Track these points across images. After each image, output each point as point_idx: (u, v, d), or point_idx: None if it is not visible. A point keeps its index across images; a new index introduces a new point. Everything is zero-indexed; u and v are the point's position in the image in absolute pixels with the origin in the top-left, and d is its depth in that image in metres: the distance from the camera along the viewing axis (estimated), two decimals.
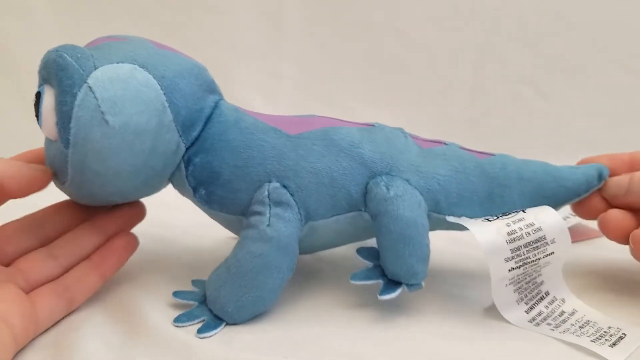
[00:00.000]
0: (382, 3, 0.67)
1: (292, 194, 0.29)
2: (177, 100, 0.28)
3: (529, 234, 0.28)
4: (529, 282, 0.29)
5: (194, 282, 0.32)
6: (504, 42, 0.67)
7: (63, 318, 0.29)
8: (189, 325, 0.28)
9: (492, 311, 0.30)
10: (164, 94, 0.27)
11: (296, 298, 0.32)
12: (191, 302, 0.30)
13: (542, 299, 0.30)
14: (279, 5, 0.67)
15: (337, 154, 0.30)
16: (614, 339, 0.26)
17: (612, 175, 0.33)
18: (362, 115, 0.34)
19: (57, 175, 0.29)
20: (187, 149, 0.30)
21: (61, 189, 0.30)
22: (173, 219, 0.44)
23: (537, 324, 0.28)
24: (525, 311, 0.29)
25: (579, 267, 0.35)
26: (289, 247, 0.28)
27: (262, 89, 0.64)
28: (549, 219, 0.29)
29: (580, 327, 0.28)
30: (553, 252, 0.29)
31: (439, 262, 0.36)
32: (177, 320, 0.29)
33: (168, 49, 0.30)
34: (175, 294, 0.30)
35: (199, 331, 0.28)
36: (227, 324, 0.29)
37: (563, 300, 0.30)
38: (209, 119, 0.30)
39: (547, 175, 0.31)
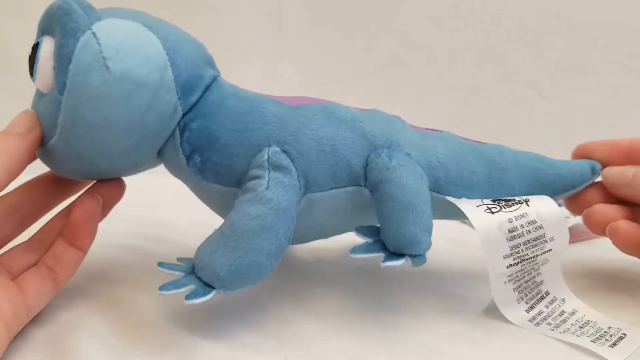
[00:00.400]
0: (382, 3, 0.67)
1: (292, 160, 0.28)
2: (178, 61, 0.28)
3: (530, 232, 0.28)
4: (529, 281, 0.29)
5: (180, 259, 0.29)
6: (504, 42, 0.67)
7: (62, 318, 0.29)
8: (175, 292, 0.26)
9: (492, 311, 0.30)
10: (167, 53, 0.27)
11: (296, 298, 0.32)
12: (177, 273, 0.27)
13: (542, 298, 0.29)
14: (279, 5, 0.67)
15: (338, 125, 0.29)
16: (614, 339, 0.26)
17: (609, 163, 0.33)
18: None
19: (44, 130, 0.27)
20: (184, 114, 0.29)
21: (42, 157, 0.29)
22: (173, 219, 0.44)
23: (537, 324, 0.28)
24: (526, 310, 0.29)
25: (579, 267, 0.35)
26: (287, 212, 0.27)
27: (262, 89, 0.64)
28: (550, 215, 0.29)
29: (580, 327, 0.28)
30: (551, 249, 0.29)
31: (439, 262, 0.36)
32: (163, 288, 0.26)
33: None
34: (161, 264, 0.28)
35: (187, 297, 0.25)
36: (218, 292, 0.26)
37: (563, 300, 0.30)
38: (208, 87, 0.30)
39: (542, 163, 0.32)
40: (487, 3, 0.67)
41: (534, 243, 0.28)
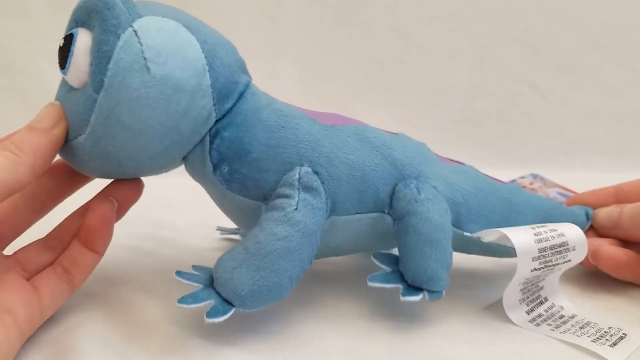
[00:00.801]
0: (382, 3, 0.67)
1: (322, 182, 0.28)
2: (216, 66, 0.27)
3: (554, 237, 0.28)
4: (534, 284, 0.29)
5: (195, 267, 0.29)
6: (504, 42, 0.67)
7: (64, 318, 0.29)
8: (194, 306, 0.25)
9: (492, 311, 0.30)
10: (205, 57, 0.26)
11: (297, 298, 0.32)
12: (195, 284, 0.27)
13: (541, 303, 0.30)
14: (278, 5, 0.67)
15: (370, 150, 0.29)
16: (614, 339, 0.26)
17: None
18: (361, 115, 0.34)
19: (71, 127, 0.26)
20: (217, 121, 0.28)
21: (64, 153, 0.27)
22: (175, 220, 0.44)
23: (538, 324, 0.28)
24: (526, 312, 0.29)
25: (579, 268, 0.35)
26: (313, 236, 0.27)
27: (261, 89, 0.64)
28: (570, 228, 0.29)
29: (581, 328, 0.28)
30: (570, 260, 0.29)
31: None
32: (182, 301, 0.25)
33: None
34: (179, 273, 0.27)
35: (208, 315, 0.25)
36: (237, 309, 0.26)
37: (562, 307, 0.30)
38: (242, 95, 0.29)
39: (552, 209, 0.34)
40: (487, 3, 0.67)
41: (558, 249, 0.28)
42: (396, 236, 0.28)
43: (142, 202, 0.31)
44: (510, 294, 0.29)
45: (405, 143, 0.31)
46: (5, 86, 0.63)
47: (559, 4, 0.67)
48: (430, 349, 0.26)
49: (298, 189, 0.27)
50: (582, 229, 0.31)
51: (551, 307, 0.30)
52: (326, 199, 0.28)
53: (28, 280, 0.27)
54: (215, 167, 0.28)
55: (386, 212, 0.29)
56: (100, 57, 0.24)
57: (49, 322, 0.28)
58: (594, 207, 0.35)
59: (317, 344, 0.27)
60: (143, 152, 0.27)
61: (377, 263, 0.29)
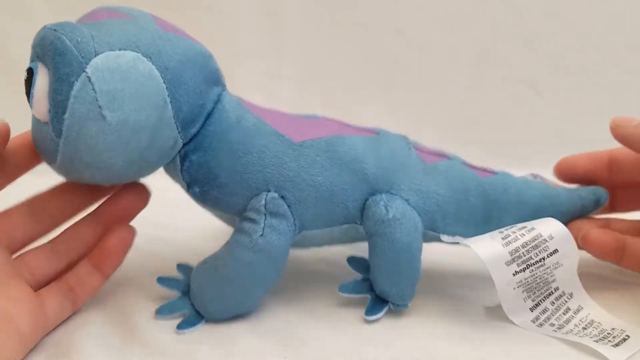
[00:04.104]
0: (382, 3, 0.67)
1: (289, 206, 0.28)
2: (179, 95, 0.26)
3: (523, 234, 0.28)
4: (540, 282, 0.29)
5: (179, 267, 0.32)
6: (503, 42, 0.67)
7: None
8: (170, 318, 0.29)
9: (492, 311, 0.30)
10: (167, 87, 0.26)
11: (296, 298, 0.32)
12: (174, 292, 0.30)
13: (549, 294, 0.29)
14: (279, 5, 0.67)
15: (339, 167, 0.29)
16: (617, 340, 0.26)
17: (591, 176, 0.34)
18: (361, 115, 0.34)
19: (44, 155, 0.27)
20: (185, 144, 0.28)
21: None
22: (174, 220, 0.44)
23: (541, 324, 0.28)
24: (530, 308, 0.28)
25: (581, 267, 0.35)
26: (279, 259, 0.28)
27: (262, 89, 0.64)
28: (542, 221, 0.29)
29: (584, 329, 0.28)
30: (557, 250, 0.28)
31: (439, 262, 0.36)
32: (159, 312, 0.29)
33: (173, 30, 0.27)
34: (160, 280, 0.30)
35: (179, 327, 0.28)
36: (207, 320, 0.29)
37: (571, 295, 0.29)
38: (210, 114, 0.28)
39: (546, 199, 0.32)
40: (487, 3, 0.67)
41: (533, 244, 0.28)
42: (368, 250, 0.29)
43: None
44: (508, 299, 0.28)
45: (380, 150, 0.30)
46: (5, 86, 0.63)
47: (559, 4, 0.67)
48: (431, 349, 0.26)
49: (264, 214, 0.27)
50: (586, 213, 0.32)
51: (559, 298, 0.29)
52: (294, 220, 0.28)
53: (34, 287, 0.27)
54: (189, 186, 0.29)
55: (358, 223, 0.29)
56: (56, 107, 0.24)
57: None
58: (586, 173, 0.34)
59: (316, 343, 0.27)
60: (113, 177, 0.28)
61: (350, 266, 0.31)
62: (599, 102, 0.66)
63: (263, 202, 0.28)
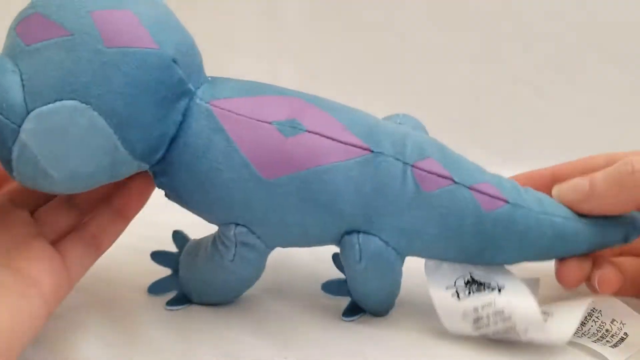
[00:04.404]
0: (382, 3, 0.67)
1: (259, 237, 0.27)
2: (132, 135, 0.24)
3: (497, 323, 0.26)
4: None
5: (175, 236, 0.33)
6: (503, 42, 0.67)
7: (62, 317, 0.29)
8: (161, 295, 0.31)
9: None
10: (115, 132, 0.23)
11: (297, 298, 0.32)
12: (166, 268, 0.32)
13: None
14: (278, 5, 0.67)
15: (314, 208, 0.26)
16: (615, 340, 0.26)
17: None
18: None
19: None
20: (152, 165, 0.27)
21: None
22: (173, 220, 0.44)
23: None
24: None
25: None
26: (253, 278, 0.29)
27: None
28: (522, 310, 0.25)
29: (582, 326, 0.27)
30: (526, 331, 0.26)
31: None
32: (150, 290, 0.31)
33: (121, 40, 0.23)
34: (154, 255, 0.32)
35: (168, 304, 0.30)
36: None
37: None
38: (173, 139, 0.26)
39: (558, 240, 0.27)
40: (487, 3, 0.67)
41: (503, 334, 0.26)
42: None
43: None
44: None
45: (367, 181, 0.26)
46: None
47: (558, 4, 0.67)
48: (431, 349, 0.26)
49: (235, 243, 0.27)
50: (604, 247, 0.28)
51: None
52: (265, 247, 0.28)
53: (54, 242, 0.27)
54: (168, 196, 0.28)
55: (337, 244, 0.28)
56: (3, 162, 0.23)
57: (49, 321, 0.28)
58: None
59: (317, 343, 0.27)
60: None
61: (325, 289, 0.31)
62: (599, 102, 0.66)
63: (232, 232, 0.27)
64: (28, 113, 0.22)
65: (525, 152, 0.66)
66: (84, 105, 0.22)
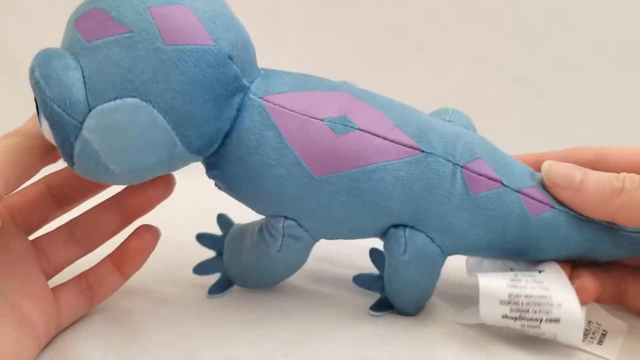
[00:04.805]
0: (382, 3, 0.67)
1: (306, 231, 0.28)
2: (189, 131, 0.24)
3: (534, 287, 0.25)
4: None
5: (220, 218, 0.34)
6: (503, 42, 0.67)
7: None
8: (206, 275, 0.33)
9: None
10: (173, 129, 0.24)
11: (297, 297, 0.32)
12: (211, 251, 0.34)
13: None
14: (278, 5, 0.67)
15: (362, 205, 0.26)
16: (597, 335, 0.26)
17: None
18: None
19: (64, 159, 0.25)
20: (205, 158, 0.27)
21: None
22: (175, 220, 0.44)
23: (514, 319, 0.26)
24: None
25: None
26: (297, 266, 0.30)
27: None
28: (560, 284, 0.25)
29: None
30: (559, 320, 0.25)
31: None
32: (195, 270, 0.33)
33: (180, 37, 0.23)
34: (199, 237, 0.34)
35: (210, 292, 0.32)
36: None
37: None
38: (228, 132, 0.26)
39: (599, 247, 0.28)
40: (487, 3, 0.67)
41: (536, 301, 0.25)
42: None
43: None
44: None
45: (417, 181, 0.26)
46: (5, 86, 0.63)
47: (558, 4, 0.67)
48: (432, 348, 0.26)
49: (282, 234, 0.27)
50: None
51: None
52: (312, 239, 0.28)
53: (51, 273, 0.27)
54: (215, 184, 0.29)
55: (381, 238, 0.29)
56: (65, 157, 0.24)
57: None
58: None
59: (317, 342, 0.27)
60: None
61: (357, 281, 0.32)
62: (599, 102, 0.66)
63: (281, 225, 0.27)
64: (90, 110, 0.22)
65: (525, 152, 0.66)
66: (144, 102, 0.23)
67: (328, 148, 0.26)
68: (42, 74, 0.22)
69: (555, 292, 0.25)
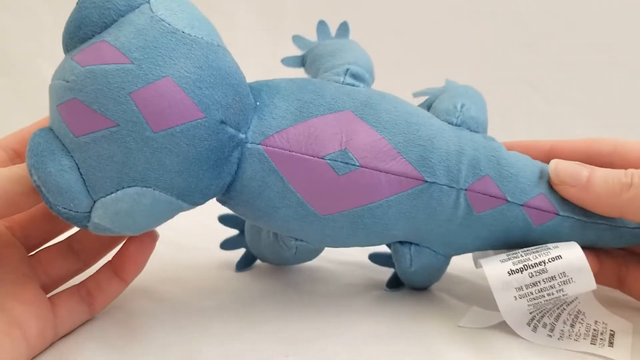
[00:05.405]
0: (382, 3, 0.67)
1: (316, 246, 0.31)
2: (193, 196, 0.25)
3: (547, 266, 0.26)
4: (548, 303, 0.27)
5: (223, 219, 0.37)
6: (503, 42, 0.67)
7: None
8: (230, 251, 0.37)
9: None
10: (178, 200, 0.24)
11: (298, 296, 0.32)
12: (234, 230, 0.37)
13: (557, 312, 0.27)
14: (278, 5, 0.67)
15: (367, 235, 0.28)
16: (606, 336, 0.26)
17: None
18: None
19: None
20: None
21: None
22: (174, 220, 0.44)
23: (535, 329, 0.27)
24: (527, 323, 0.27)
25: None
26: (314, 256, 0.32)
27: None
28: (572, 252, 0.26)
29: (571, 327, 0.27)
30: (570, 280, 0.26)
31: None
32: (222, 246, 0.37)
33: (170, 111, 0.22)
34: (221, 218, 0.37)
35: (237, 267, 0.36)
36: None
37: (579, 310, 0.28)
38: (232, 182, 0.26)
39: (599, 245, 0.29)
40: (487, 3, 0.67)
41: (550, 282, 0.26)
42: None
43: None
44: (509, 314, 0.27)
45: (419, 211, 0.27)
46: (5, 86, 0.63)
47: (558, 4, 0.67)
48: (432, 348, 0.26)
49: (296, 246, 0.29)
50: None
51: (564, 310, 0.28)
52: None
53: (50, 288, 0.27)
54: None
55: (387, 246, 0.32)
56: (80, 228, 0.25)
57: None
58: None
59: (317, 342, 0.27)
60: None
61: (374, 258, 0.36)
62: (599, 102, 0.66)
63: (293, 242, 0.29)
64: (94, 202, 0.23)
65: None
66: (145, 189, 0.23)
67: (331, 189, 0.26)
68: (41, 179, 0.22)
69: (567, 260, 0.26)
